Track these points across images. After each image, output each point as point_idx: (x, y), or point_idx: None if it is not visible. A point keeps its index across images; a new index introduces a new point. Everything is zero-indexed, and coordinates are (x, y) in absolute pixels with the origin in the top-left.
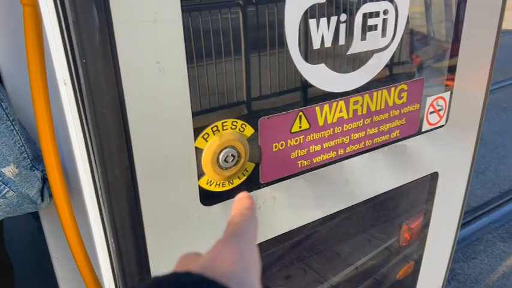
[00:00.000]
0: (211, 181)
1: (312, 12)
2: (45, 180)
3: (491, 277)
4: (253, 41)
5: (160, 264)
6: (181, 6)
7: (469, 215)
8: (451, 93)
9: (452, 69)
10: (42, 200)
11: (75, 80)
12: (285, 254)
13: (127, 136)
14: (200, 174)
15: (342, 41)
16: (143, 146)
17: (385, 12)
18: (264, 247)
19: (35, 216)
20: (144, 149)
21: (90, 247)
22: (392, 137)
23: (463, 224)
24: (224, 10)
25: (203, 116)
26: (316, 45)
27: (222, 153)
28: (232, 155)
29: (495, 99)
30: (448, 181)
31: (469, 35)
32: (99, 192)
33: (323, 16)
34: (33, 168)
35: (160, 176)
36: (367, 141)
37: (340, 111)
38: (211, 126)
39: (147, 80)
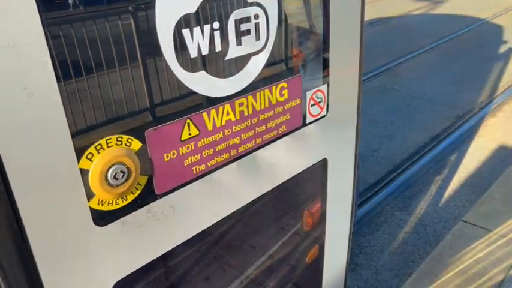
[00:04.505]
0: (102, 201)
1: (184, 22)
2: None
3: (394, 244)
4: (123, 53)
5: None
6: (43, 26)
7: (369, 191)
8: (328, 86)
9: (326, 63)
10: None
11: None
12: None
13: (0, 166)
14: (90, 195)
15: (218, 47)
16: (21, 173)
17: (256, 16)
18: (178, 252)
19: None
20: (22, 176)
21: None
22: (280, 132)
23: (364, 201)
24: (88, 23)
25: (84, 135)
26: (193, 53)
27: (110, 171)
28: (121, 171)
29: (380, 82)
30: (336, 165)
31: (336, 30)
32: None
33: (196, 25)
34: None
35: (45, 203)
36: (257, 139)
37: (227, 114)
38: (95, 144)
39: (16, 106)
